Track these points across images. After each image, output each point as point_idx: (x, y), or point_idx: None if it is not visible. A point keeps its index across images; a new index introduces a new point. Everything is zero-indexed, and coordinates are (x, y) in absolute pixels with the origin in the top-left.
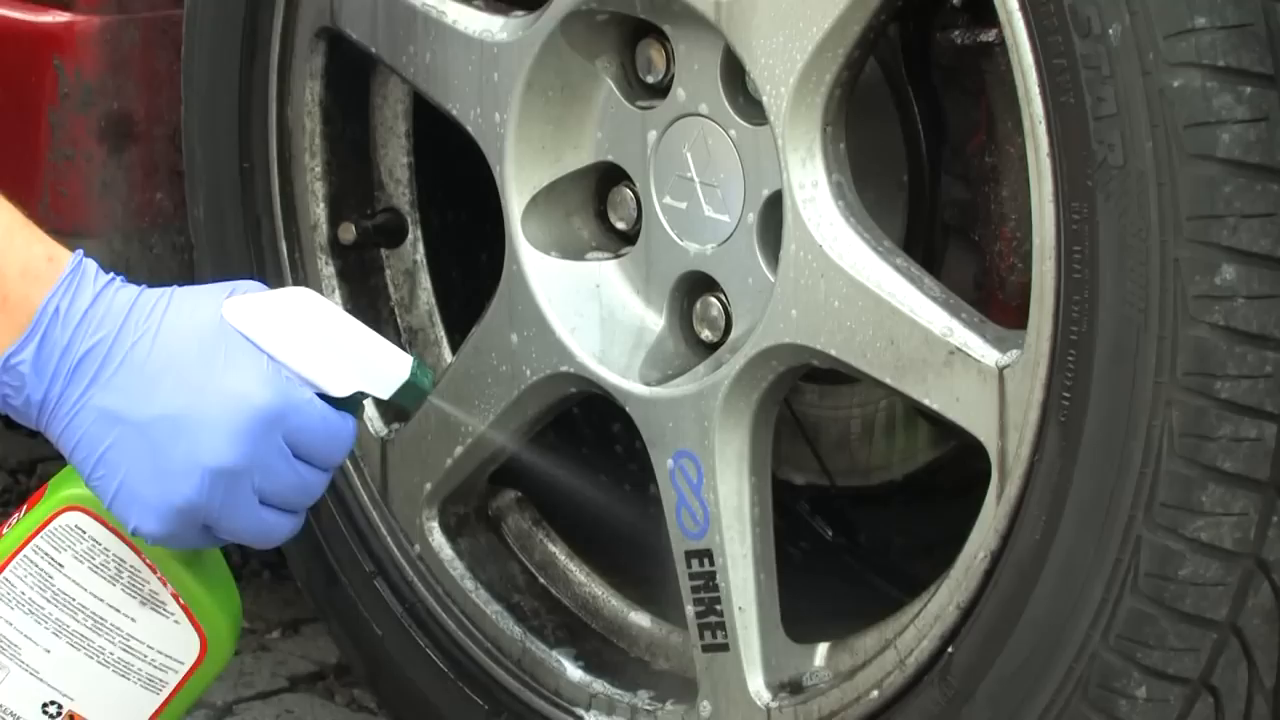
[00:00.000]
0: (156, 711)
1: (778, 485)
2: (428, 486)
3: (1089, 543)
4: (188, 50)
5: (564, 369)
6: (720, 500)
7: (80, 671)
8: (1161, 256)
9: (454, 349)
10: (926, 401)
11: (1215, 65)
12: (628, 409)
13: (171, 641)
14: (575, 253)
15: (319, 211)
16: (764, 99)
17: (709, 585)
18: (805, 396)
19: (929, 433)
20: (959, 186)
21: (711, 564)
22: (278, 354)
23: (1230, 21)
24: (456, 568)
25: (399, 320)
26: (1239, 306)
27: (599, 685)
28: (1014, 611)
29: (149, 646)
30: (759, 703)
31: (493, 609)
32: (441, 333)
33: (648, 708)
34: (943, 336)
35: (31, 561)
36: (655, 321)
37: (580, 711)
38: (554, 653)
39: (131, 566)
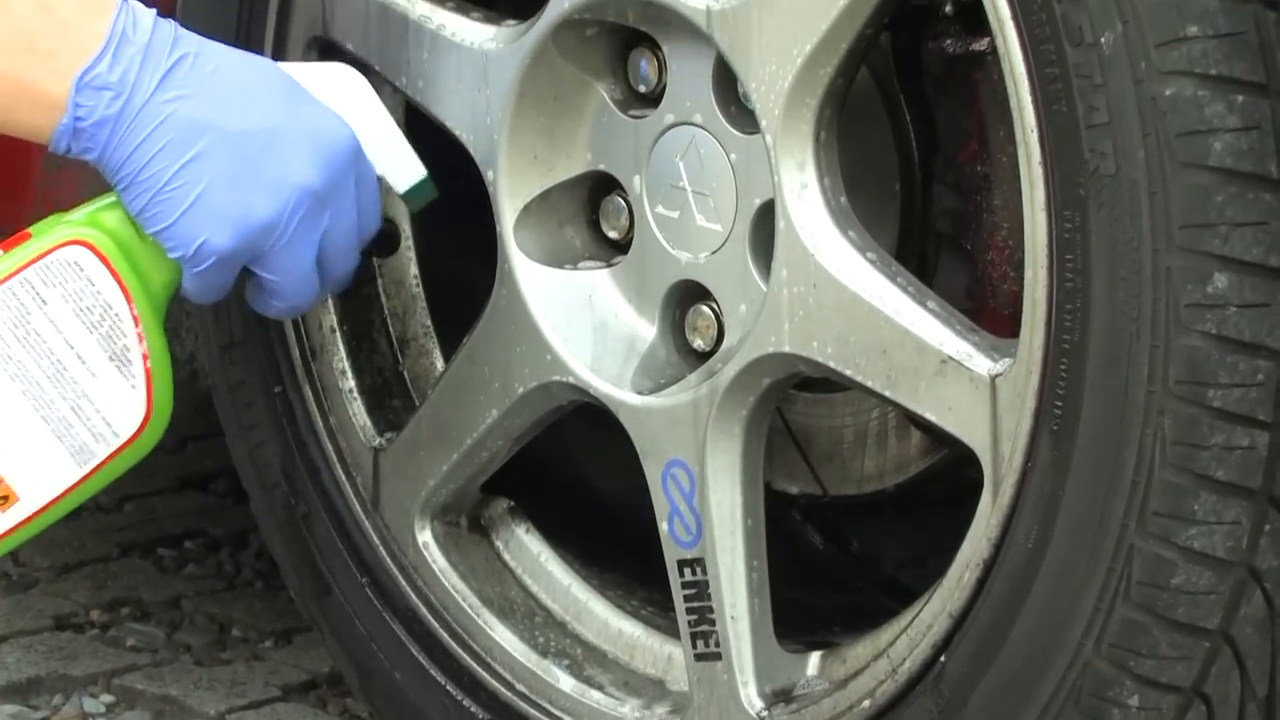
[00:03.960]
0: (72, 486)
1: (770, 494)
2: (420, 496)
3: (1081, 551)
4: None
5: (556, 378)
6: (712, 509)
7: (18, 423)
8: (1154, 265)
9: (447, 359)
10: (919, 410)
11: (1207, 74)
12: (620, 418)
13: (121, 408)
14: (568, 262)
15: None
16: (756, 108)
17: (701, 594)
18: (797, 405)
19: (921, 442)
20: (951, 195)
21: (704, 573)
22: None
23: (1222, 30)
24: (449, 577)
25: (391, 330)
26: (1231, 315)
27: (592, 694)
28: (1007, 620)
29: (96, 409)
30: (751, 711)
31: (485, 618)
32: (434, 342)
33: (640, 716)
34: (935, 345)
35: (14, 294)
36: (647, 330)
37: None
38: (546, 661)
39: (116, 314)
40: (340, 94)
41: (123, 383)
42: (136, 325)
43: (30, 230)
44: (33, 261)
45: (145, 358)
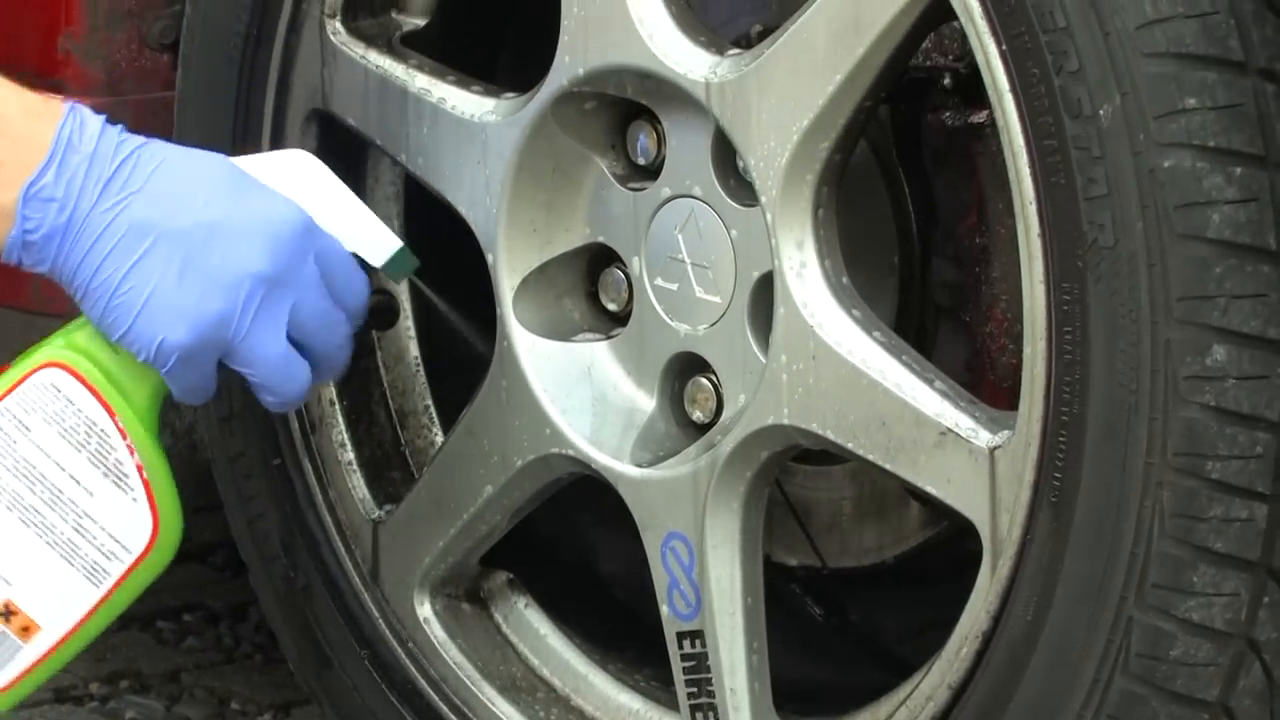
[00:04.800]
0: (94, 607)
1: (769, 566)
2: (419, 568)
3: (1081, 623)
4: (179, 132)
5: (555, 450)
6: (711, 582)
7: (25, 553)
8: (1152, 337)
9: (446, 431)
10: (918, 483)
11: (1206, 146)
12: (619, 490)
13: (125, 523)
14: (566, 334)
15: None
16: (755, 180)
17: (700, 666)
18: (796, 477)
19: (921, 514)
20: (950, 268)
21: (703, 645)
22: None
23: (1220, 102)
24: (449, 650)
25: (390, 403)
26: (1230, 387)
27: None
28: (1006, 692)
29: (101, 528)
30: None
31: (485, 692)
32: (434, 415)
33: None
34: (934, 418)
35: None
36: (646, 403)
37: None
38: None
39: (101, 430)
40: (298, 180)
41: (122, 497)
42: (124, 438)
43: (10, 365)
44: (9, 391)
45: (140, 469)
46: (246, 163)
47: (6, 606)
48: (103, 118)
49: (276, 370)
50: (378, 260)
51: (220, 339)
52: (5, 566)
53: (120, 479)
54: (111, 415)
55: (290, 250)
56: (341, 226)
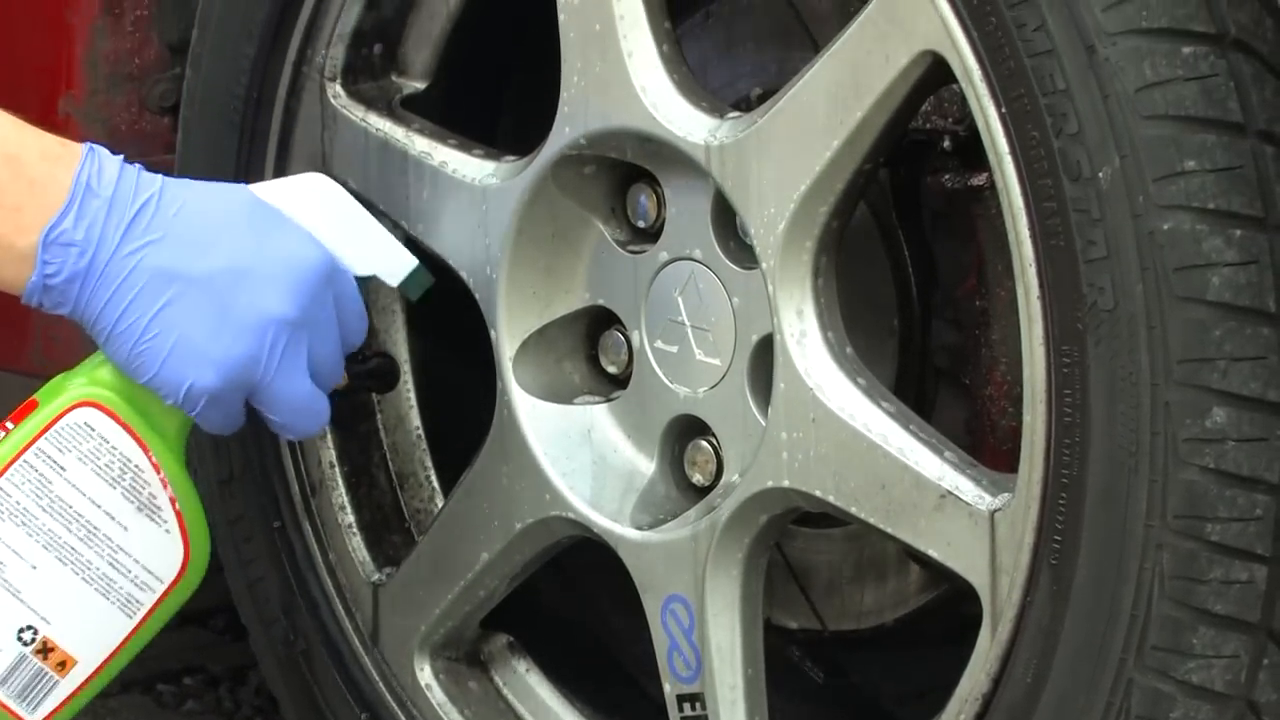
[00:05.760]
0: (127, 637)
1: (769, 629)
2: (419, 631)
3: (1081, 685)
4: None
5: (555, 514)
6: (711, 644)
7: (62, 590)
8: (1152, 400)
9: (446, 494)
10: (918, 545)
11: (1205, 208)
12: (619, 553)
13: (158, 554)
14: (566, 397)
15: None
16: (755, 243)
17: None
18: (796, 540)
19: (920, 576)
20: (950, 330)
21: (703, 708)
22: (310, 229)
23: (1220, 165)
24: (449, 713)
25: (390, 465)
26: (1229, 450)
27: None
28: None
29: (135, 560)
30: None
31: None
32: (434, 478)
33: None
34: (934, 480)
35: (31, 466)
36: (646, 465)
37: None
38: None
39: (136, 466)
40: (316, 205)
41: (156, 530)
42: (158, 472)
43: (36, 397)
44: (44, 431)
45: (173, 501)
46: (265, 189)
47: (45, 644)
48: (120, 158)
49: (301, 409)
50: (394, 280)
51: (248, 382)
52: (43, 604)
53: (154, 512)
54: (145, 451)
55: (315, 293)
56: (359, 248)
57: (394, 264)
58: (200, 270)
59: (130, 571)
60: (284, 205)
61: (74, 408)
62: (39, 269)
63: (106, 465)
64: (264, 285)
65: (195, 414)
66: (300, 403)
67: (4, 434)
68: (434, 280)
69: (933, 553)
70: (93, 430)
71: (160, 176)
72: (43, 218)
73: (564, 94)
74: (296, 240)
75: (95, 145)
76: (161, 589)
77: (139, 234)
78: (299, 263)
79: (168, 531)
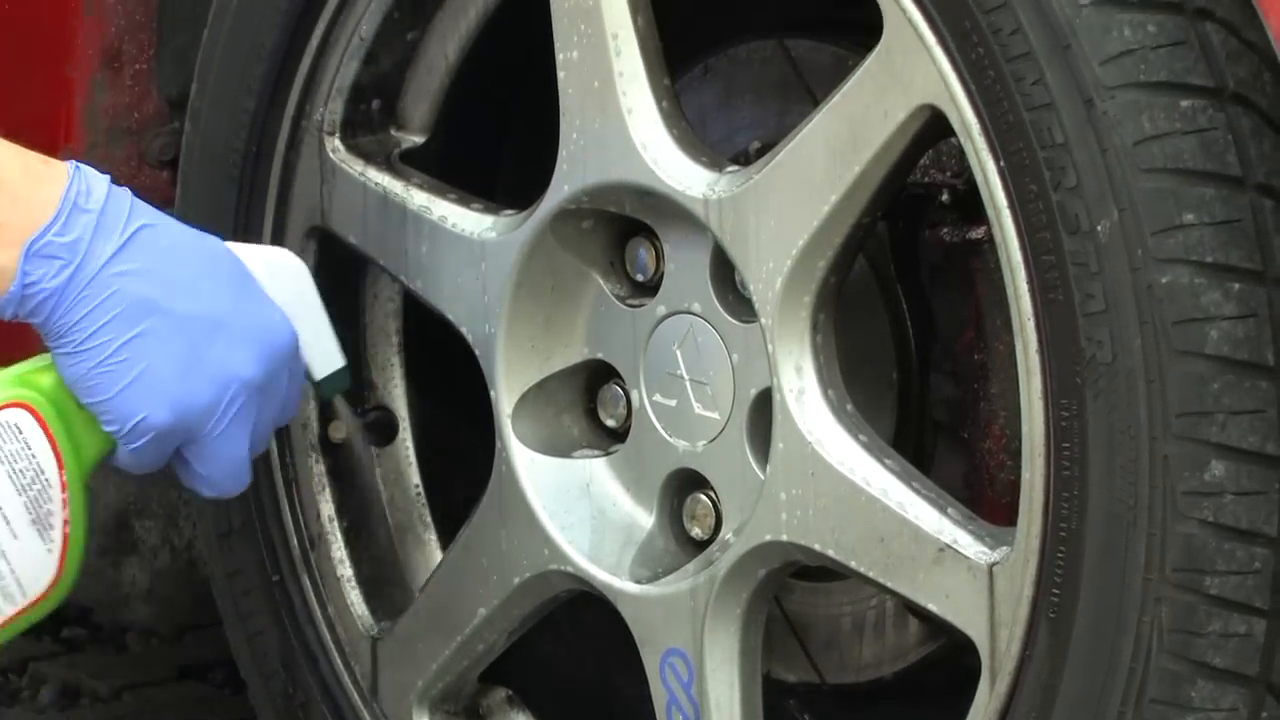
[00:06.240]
0: None
1: (768, 683)
2: (418, 685)
3: None
4: None
5: (554, 567)
6: (710, 698)
7: None
8: (1151, 453)
9: (444, 548)
10: (917, 599)
11: (1203, 262)
12: (618, 607)
13: (33, 570)
14: (565, 450)
15: (309, 410)
16: (753, 297)
17: None
18: (795, 594)
19: (919, 630)
20: (948, 384)
21: None
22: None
23: (1218, 218)
24: None
25: (389, 519)
26: (1228, 503)
27: None
28: None
29: (11, 569)
30: None
31: None
32: (432, 531)
33: None
34: (933, 534)
35: None
36: (645, 519)
37: None
38: None
39: (46, 480)
40: (281, 279)
41: (40, 546)
42: (63, 491)
43: None
44: None
45: (65, 523)
46: (240, 249)
47: None
48: (107, 178)
49: (231, 470)
50: (319, 373)
51: (195, 430)
52: None
53: (45, 528)
54: (60, 469)
55: (279, 366)
56: (302, 332)
57: (324, 358)
58: (182, 311)
59: (3, 578)
60: (254, 268)
61: (8, 406)
62: (19, 279)
63: (21, 471)
64: (238, 343)
65: (131, 447)
66: (233, 464)
67: None
68: (349, 386)
69: (931, 606)
70: (20, 433)
71: (147, 208)
72: (25, 233)
73: (563, 149)
74: (271, 310)
75: (82, 164)
76: (23, 604)
77: (129, 257)
78: (273, 331)
79: (50, 551)
